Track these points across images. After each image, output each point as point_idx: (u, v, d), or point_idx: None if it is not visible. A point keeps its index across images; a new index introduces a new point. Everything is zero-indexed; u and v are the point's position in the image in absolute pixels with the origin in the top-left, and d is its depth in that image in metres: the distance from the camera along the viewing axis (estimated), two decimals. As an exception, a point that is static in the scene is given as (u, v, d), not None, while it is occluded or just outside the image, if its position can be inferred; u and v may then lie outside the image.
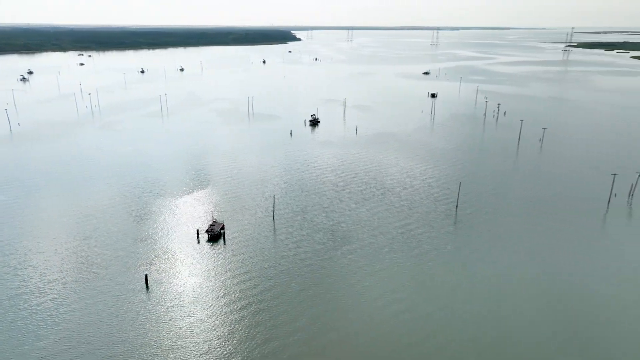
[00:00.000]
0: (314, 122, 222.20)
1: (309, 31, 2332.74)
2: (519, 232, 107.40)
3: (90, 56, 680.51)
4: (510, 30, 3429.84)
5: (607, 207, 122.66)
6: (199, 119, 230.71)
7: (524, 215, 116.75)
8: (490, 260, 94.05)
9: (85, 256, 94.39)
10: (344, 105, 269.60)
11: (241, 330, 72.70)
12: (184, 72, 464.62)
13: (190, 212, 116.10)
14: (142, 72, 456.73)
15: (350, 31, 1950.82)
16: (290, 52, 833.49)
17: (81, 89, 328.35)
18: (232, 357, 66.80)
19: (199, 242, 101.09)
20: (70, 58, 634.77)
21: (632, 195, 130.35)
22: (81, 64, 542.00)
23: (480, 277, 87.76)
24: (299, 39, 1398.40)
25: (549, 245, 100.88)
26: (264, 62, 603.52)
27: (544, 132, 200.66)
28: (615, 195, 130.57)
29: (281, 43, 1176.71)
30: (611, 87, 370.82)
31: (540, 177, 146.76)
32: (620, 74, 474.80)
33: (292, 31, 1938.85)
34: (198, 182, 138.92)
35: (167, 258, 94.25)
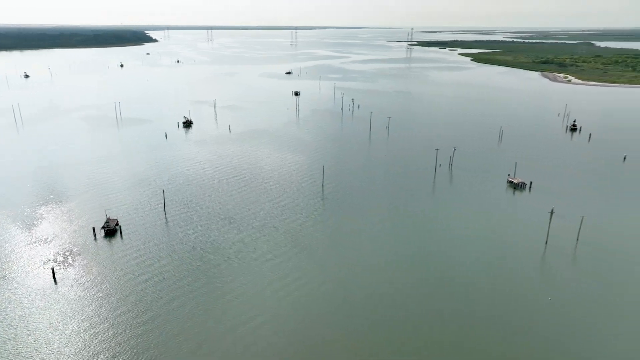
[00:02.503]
0: (187, 124, 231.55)
1: (166, 31, 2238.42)
2: (373, 200, 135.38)
3: None
4: (361, 29, 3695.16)
5: (435, 175, 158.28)
6: (64, 128, 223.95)
7: (376, 187, 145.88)
8: (352, 223, 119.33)
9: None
10: (214, 106, 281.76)
11: (146, 307, 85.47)
12: (29, 78, 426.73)
13: (82, 214, 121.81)
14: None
15: (210, 31, 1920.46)
16: (148, 54, 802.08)
17: None
18: (142, 337, 79.95)
19: (95, 238, 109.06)
20: None
21: (451, 164, 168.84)
22: None
23: (345, 237, 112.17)
24: (155, 40, 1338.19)
25: (396, 207, 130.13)
26: (122, 65, 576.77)
27: (389, 120, 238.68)
28: (440, 165, 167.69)
29: (136, 44, 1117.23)
30: (442, 80, 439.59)
31: (387, 157, 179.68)
32: (450, 69, 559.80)
33: (146, 31, 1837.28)
34: (82, 187, 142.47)
35: (69, 254, 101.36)
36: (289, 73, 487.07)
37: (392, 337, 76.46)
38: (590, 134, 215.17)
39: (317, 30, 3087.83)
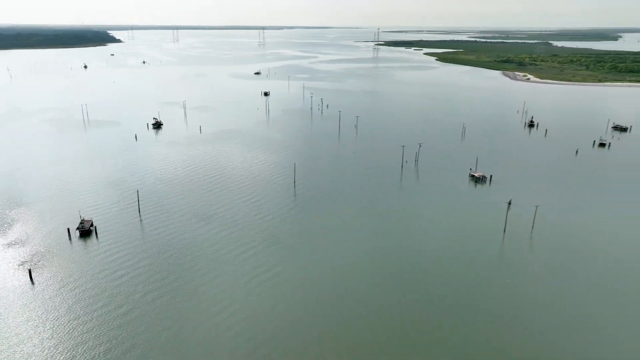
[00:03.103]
0: (157, 125, 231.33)
1: (130, 31, 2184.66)
2: (343, 196, 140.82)
3: None
4: (328, 29, 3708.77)
5: (401, 171, 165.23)
6: (30, 131, 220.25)
7: (346, 184, 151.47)
8: (323, 218, 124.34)
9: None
10: (184, 107, 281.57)
11: (123, 301, 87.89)
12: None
13: (56, 216, 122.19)
14: None
15: (175, 31, 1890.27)
16: (112, 55, 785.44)
17: None
18: (120, 328, 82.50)
19: (70, 239, 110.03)
20: None
21: (417, 160, 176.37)
22: None
23: (317, 231, 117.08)
24: (119, 40, 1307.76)
25: (365, 202, 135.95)
26: (85, 66, 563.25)
27: (357, 119, 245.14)
28: (407, 161, 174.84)
29: (99, 45, 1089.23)
30: (408, 79, 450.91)
31: (356, 155, 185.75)
32: (415, 68, 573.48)
33: (108, 31, 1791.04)
34: (54, 189, 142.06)
35: (45, 255, 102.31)
36: (257, 73, 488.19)
37: (359, 324, 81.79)
38: (546, 130, 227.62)
39: (285, 30, 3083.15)
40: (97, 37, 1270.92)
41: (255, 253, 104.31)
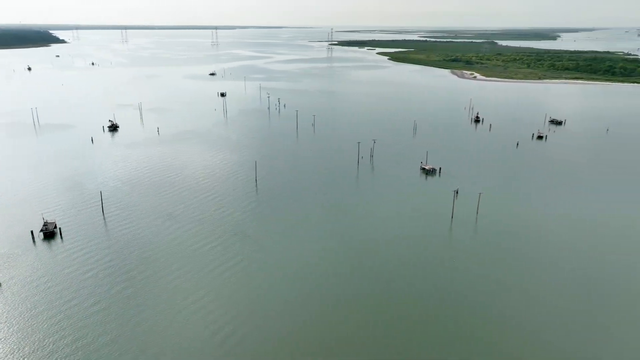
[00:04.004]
0: (113, 127, 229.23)
1: (75, 31, 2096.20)
2: (304, 191, 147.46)
3: None
4: (282, 29, 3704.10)
5: (358, 167, 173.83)
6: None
7: (306, 179, 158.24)
8: (285, 213, 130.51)
9: None
10: (140, 109, 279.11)
11: (89, 294, 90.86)
12: None
13: (19, 220, 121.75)
14: None
15: (124, 31, 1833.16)
16: (58, 56, 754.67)
17: None
18: (87, 319, 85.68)
19: (34, 241, 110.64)
20: None
21: (372, 156, 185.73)
22: None
23: (280, 226, 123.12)
24: (63, 41, 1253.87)
25: (325, 196, 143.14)
26: (30, 68, 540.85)
27: (314, 118, 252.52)
28: (362, 157, 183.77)
29: (42, 46, 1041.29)
30: (361, 79, 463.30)
31: (313, 152, 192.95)
32: (369, 67, 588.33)
33: (51, 31, 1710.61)
34: (12, 194, 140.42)
35: (9, 258, 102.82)
36: (212, 74, 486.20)
37: (319, 311, 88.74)
38: (490, 125, 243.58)
39: (238, 30, 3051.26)
40: (38, 37, 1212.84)
41: (216, 246, 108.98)
